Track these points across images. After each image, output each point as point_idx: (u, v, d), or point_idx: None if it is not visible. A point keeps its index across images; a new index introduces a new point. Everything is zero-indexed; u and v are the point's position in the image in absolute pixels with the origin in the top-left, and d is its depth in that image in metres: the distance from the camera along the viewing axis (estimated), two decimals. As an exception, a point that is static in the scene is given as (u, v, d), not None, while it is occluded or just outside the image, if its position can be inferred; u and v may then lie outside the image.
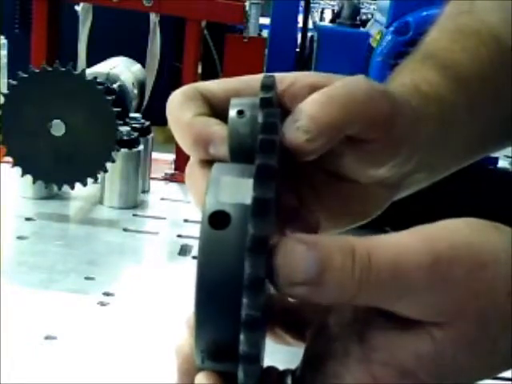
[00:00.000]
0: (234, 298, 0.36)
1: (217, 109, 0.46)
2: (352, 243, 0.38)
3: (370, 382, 0.39)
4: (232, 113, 0.44)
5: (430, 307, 0.38)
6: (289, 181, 0.45)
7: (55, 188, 1.24)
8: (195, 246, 1.17)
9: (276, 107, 0.42)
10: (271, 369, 0.41)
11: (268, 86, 0.43)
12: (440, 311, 0.38)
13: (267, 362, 0.40)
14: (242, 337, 0.35)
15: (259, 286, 0.35)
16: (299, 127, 0.43)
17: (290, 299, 0.44)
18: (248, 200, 0.37)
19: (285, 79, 0.46)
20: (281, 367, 0.42)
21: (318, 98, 0.44)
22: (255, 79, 0.47)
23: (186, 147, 0.46)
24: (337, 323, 0.41)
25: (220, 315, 0.37)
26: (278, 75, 0.47)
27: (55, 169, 1.18)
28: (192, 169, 0.47)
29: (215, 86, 0.47)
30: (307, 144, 0.43)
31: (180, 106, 0.46)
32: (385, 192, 0.50)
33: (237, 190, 0.39)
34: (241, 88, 0.47)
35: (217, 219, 0.38)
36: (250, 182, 0.38)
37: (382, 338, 0.39)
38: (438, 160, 0.53)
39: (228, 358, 0.38)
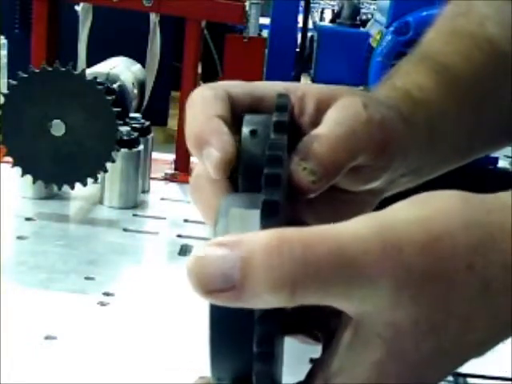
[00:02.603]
0: (248, 327, 0.36)
1: (237, 113, 0.47)
2: (282, 236, 0.34)
3: None
4: (245, 131, 0.45)
5: (385, 297, 0.35)
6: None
7: (55, 188, 1.24)
8: (195, 245, 1.17)
9: (288, 130, 0.42)
10: None
11: (283, 106, 0.44)
12: (396, 301, 0.35)
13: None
14: (254, 371, 0.35)
15: (270, 316, 0.35)
16: (306, 168, 0.44)
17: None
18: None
19: (297, 91, 0.48)
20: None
21: (323, 137, 0.45)
22: (280, 87, 0.48)
23: (188, 140, 0.46)
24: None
25: (234, 345, 0.37)
26: (290, 86, 0.48)
27: (55, 169, 1.18)
28: (199, 181, 0.47)
29: (240, 91, 0.48)
30: (312, 185, 0.44)
31: (204, 102, 0.46)
32: (372, 197, 0.52)
33: (245, 222, 0.39)
34: (265, 95, 0.48)
35: None
36: (258, 213, 0.38)
37: (337, 357, 0.37)
38: (425, 164, 0.53)
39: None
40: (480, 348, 0.37)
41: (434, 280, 0.35)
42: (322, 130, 0.46)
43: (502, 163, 2.20)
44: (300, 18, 3.56)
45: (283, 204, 0.38)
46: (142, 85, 1.49)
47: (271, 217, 0.37)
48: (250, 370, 0.36)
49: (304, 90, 0.48)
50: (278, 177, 0.39)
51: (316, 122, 0.47)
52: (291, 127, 0.45)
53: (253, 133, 0.44)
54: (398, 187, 0.53)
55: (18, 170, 1.18)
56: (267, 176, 0.38)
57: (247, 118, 0.45)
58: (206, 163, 0.44)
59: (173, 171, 1.48)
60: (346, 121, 0.46)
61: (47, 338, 0.86)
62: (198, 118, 0.45)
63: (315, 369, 0.40)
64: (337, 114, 0.46)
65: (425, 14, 2.48)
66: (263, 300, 0.34)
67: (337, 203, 0.49)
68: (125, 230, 1.22)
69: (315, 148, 0.44)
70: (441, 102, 0.53)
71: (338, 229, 0.36)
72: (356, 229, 0.35)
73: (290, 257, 0.34)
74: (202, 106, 0.46)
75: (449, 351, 0.37)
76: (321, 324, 0.42)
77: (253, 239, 0.34)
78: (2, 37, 1.94)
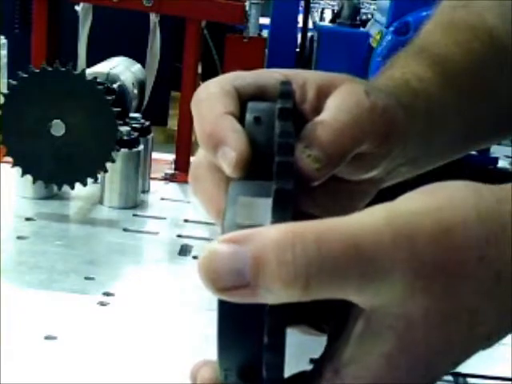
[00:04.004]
0: (257, 319, 0.35)
1: (242, 104, 0.46)
2: (295, 231, 0.34)
3: None
4: (249, 119, 0.44)
5: (397, 289, 0.35)
6: None
7: (55, 188, 1.24)
8: (195, 245, 1.17)
9: (292, 117, 0.42)
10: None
11: (286, 93, 0.43)
12: (408, 293, 0.35)
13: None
14: (264, 362, 0.35)
15: (277, 308, 0.34)
16: (311, 155, 0.43)
17: None
18: (266, 221, 0.37)
19: (297, 79, 0.47)
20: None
21: (328, 124, 0.45)
22: (281, 75, 0.48)
23: (201, 139, 0.45)
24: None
25: (242, 337, 0.37)
26: (290, 74, 0.47)
27: (55, 169, 1.18)
28: (199, 171, 0.47)
29: (243, 82, 0.47)
30: (317, 172, 0.44)
31: (212, 99, 0.45)
32: (371, 187, 0.51)
33: (255, 210, 0.38)
34: (268, 84, 0.47)
35: None
36: (267, 201, 0.37)
37: (348, 347, 0.37)
38: (423, 155, 0.54)
39: (252, 377, 0.38)
40: (488, 340, 0.37)
41: (446, 271, 0.35)
42: (326, 116, 0.45)
43: (502, 163, 2.20)
44: (300, 18, 3.56)
45: (295, 191, 0.38)
46: (142, 85, 1.49)
47: (283, 206, 0.36)
48: (258, 361, 0.36)
49: (305, 77, 0.48)
50: (290, 165, 0.38)
51: (317, 108, 0.47)
52: (294, 114, 0.44)
53: (257, 120, 0.44)
54: (396, 177, 0.53)
55: (18, 170, 1.18)
56: (279, 164, 0.38)
57: (251, 105, 0.45)
58: (222, 163, 0.43)
59: (173, 171, 1.48)
60: (349, 108, 0.46)
61: (47, 338, 0.86)
62: (209, 116, 0.44)
63: (323, 359, 0.39)
64: (340, 100, 0.46)
65: (425, 14, 2.48)
66: (277, 296, 0.34)
67: (336, 193, 0.49)
68: (125, 230, 1.22)
69: (319, 135, 0.44)
70: (440, 92, 0.53)
71: (350, 222, 0.35)
72: (368, 221, 0.35)
73: (304, 252, 0.33)
74: (211, 103, 0.45)
75: (458, 343, 0.36)
76: (327, 315, 0.42)
77: (264, 234, 0.34)
78: (2, 37, 1.94)
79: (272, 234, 0.34)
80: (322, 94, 0.47)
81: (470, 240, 0.35)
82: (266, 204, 0.38)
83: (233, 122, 0.44)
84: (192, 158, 1.47)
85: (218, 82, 0.47)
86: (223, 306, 0.37)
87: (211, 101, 0.45)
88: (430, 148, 0.54)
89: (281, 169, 0.38)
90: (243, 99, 0.46)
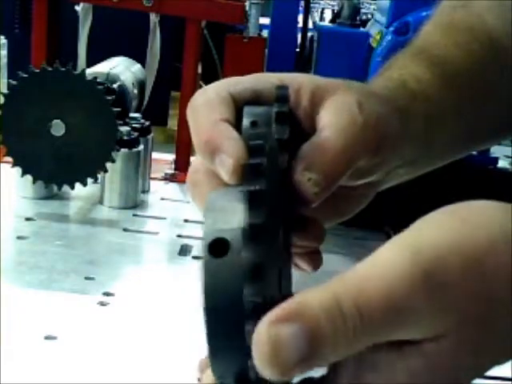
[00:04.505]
0: (240, 326, 0.36)
1: (238, 110, 0.47)
2: (335, 296, 0.35)
3: None
4: (246, 123, 0.44)
5: (431, 325, 0.36)
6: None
7: (55, 188, 1.24)
8: (195, 245, 1.17)
9: (289, 120, 0.42)
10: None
11: (283, 97, 0.43)
12: (440, 325, 0.36)
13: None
14: (250, 363, 0.35)
15: (260, 314, 0.35)
16: (311, 179, 0.44)
17: None
18: (243, 225, 0.37)
19: (292, 83, 0.47)
20: None
21: (326, 149, 0.45)
22: (276, 79, 0.48)
23: (198, 147, 0.46)
24: None
25: (229, 344, 0.37)
26: (286, 78, 0.47)
27: (55, 169, 1.18)
28: (197, 176, 0.47)
29: (240, 88, 0.47)
30: (315, 196, 0.45)
31: (208, 106, 0.46)
32: (368, 190, 0.52)
33: (232, 214, 0.39)
34: (264, 89, 0.48)
35: (216, 247, 0.38)
36: (242, 206, 0.38)
37: (371, 357, 0.37)
38: (423, 156, 0.54)
39: (246, 382, 0.38)
40: (507, 359, 0.39)
41: (479, 301, 0.36)
42: (323, 138, 0.46)
43: (502, 163, 2.20)
44: (300, 18, 3.56)
45: (273, 192, 0.38)
46: (142, 85, 1.49)
47: (256, 208, 0.37)
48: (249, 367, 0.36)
49: (300, 82, 0.48)
50: (261, 166, 0.38)
51: (310, 114, 0.47)
52: (290, 118, 0.44)
53: (253, 124, 0.44)
54: (395, 179, 0.53)
55: (18, 170, 1.18)
56: (250, 166, 0.39)
57: (247, 109, 0.45)
58: (220, 170, 0.44)
59: (173, 171, 1.48)
60: (343, 128, 0.46)
61: (47, 338, 0.86)
62: (205, 124, 0.45)
63: (342, 363, 0.39)
64: (334, 118, 0.46)
65: (425, 14, 2.48)
66: (329, 360, 0.36)
67: (334, 198, 0.49)
68: (125, 230, 1.22)
69: (318, 158, 0.45)
70: (439, 94, 0.53)
71: (381, 271, 0.35)
72: (400, 269, 0.35)
73: (349, 314, 0.34)
74: (207, 110, 0.45)
75: (485, 366, 0.38)
76: None
77: (312, 306, 0.34)
78: (2, 37, 1.94)
79: (319, 303, 0.35)
80: (316, 100, 0.47)
81: (501, 268, 0.36)
82: (243, 208, 0.38)
83: (229, 129, 0.44)
84: (192, 158, 1.48)
85: (214, 88, 0.47)
86: (210, 316, 0.37)
87: (207, 108, 0.46)
88: (430, 149, 0.54)
89: (251, 171, 0.38)
90: (239, 104, 0.46)
